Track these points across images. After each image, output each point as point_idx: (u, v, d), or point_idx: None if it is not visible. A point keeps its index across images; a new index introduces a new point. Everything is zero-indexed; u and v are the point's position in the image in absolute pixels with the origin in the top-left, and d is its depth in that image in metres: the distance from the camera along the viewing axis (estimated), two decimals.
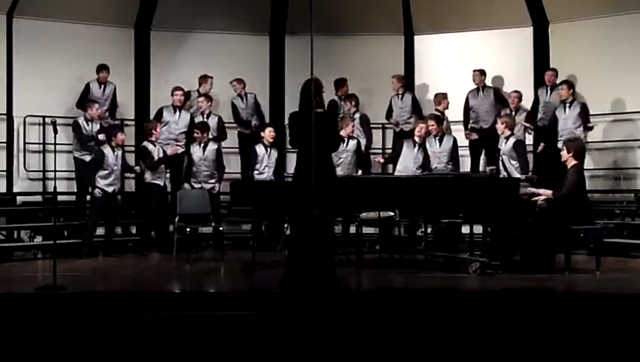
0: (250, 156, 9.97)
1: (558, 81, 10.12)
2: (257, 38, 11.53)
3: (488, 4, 10.98)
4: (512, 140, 8.91)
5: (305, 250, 6.39)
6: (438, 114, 10.15)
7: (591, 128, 9.82)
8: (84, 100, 10.09)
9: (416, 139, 9.62)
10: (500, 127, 9.19)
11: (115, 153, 9.47)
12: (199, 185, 9.69)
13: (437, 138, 9.66)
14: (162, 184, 9.70)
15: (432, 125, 9.65)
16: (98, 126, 9.98)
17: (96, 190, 9.32)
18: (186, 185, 9.73)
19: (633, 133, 10.18)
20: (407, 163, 9.54)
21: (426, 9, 11.32)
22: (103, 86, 10.32)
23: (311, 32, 5.98)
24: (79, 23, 10.70)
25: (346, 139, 9.61)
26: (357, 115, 10.53)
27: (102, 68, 10.26)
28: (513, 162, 8.81)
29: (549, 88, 10.29)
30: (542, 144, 10.08)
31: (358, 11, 11.25)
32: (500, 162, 8.72)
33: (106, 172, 9.38)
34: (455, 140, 9.81)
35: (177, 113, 10.24)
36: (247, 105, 10.85)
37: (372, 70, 11.18)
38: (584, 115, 9.73)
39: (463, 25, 11.16)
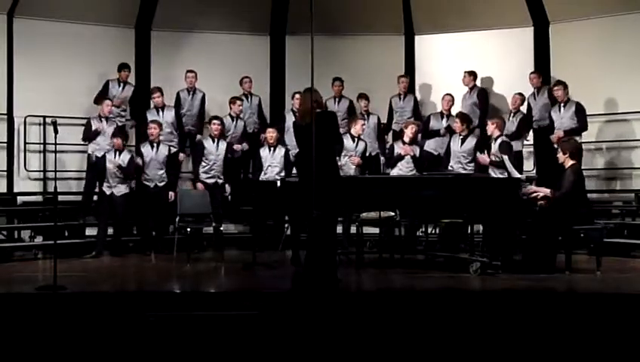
0: (254, 160, 10.04)
1: (553, 81, 10.10)
2: (257, 38, 11.53)
3: (488, 4, 10.98)
4: (499, 140, 9.00)
5: (316, 250, 6.41)
6: (465, 113, 10.03)
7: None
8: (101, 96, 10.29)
9: (405, 139, 9.60)
10: (490, 127, 9.18)
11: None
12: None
13: (460, 137, 9.56)
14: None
15: (457, 123, 9.59)
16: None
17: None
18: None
19: (633, 133, 10.16)
20: (401, 165, 9.58)
21: (426, 9, 11.32)
22: (122, 85, 10.46)
23: (311, 32, 5.98)
24: (79, 22, 10.71)
25: (356, 140, 9.63)
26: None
27: (124, 67, 10.43)
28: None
29: (535, 90, 10.29)
30: (555, 134, 9.69)
31: (358, 11, 11.25)
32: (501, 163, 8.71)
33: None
34: (478, 141, 9.61)
35: (161, 113, 10.28)
36: (251, 104, 10.87)
37: (372, 70, 11.18)
38: (580, 114, 9.67)
39: (463, 25, 11.16)
